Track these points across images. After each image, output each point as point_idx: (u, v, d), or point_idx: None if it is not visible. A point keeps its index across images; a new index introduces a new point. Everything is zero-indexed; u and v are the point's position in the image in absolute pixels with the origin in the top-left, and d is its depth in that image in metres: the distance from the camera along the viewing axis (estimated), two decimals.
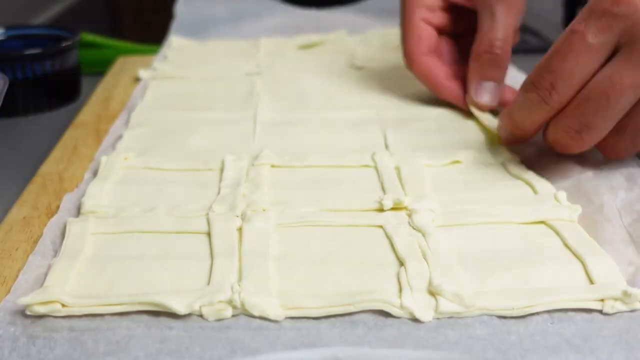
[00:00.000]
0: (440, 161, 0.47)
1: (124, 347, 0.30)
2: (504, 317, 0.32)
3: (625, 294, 0.32)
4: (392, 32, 0.82)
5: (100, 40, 0.77)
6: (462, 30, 0.58)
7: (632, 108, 0.40)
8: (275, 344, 0.30)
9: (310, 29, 0.79)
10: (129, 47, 0.78)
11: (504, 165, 0.46)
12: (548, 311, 0.32)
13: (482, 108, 0.53)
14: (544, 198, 0.42)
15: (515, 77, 0.64)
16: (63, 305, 0.32)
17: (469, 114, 0.55)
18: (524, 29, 0.74)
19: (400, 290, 0.33)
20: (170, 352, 0.30)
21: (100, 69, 0.72)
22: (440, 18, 0.57)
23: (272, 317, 0.32)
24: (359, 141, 0.51)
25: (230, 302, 0.32)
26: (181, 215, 0.40)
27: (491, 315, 0.32)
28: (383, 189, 0.43)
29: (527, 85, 0.42)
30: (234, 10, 0.87)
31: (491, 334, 0.31)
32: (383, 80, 0.64)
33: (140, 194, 0.43)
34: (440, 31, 0.57)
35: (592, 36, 0.39)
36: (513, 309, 0.32)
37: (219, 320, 0.32)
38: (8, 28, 0.67)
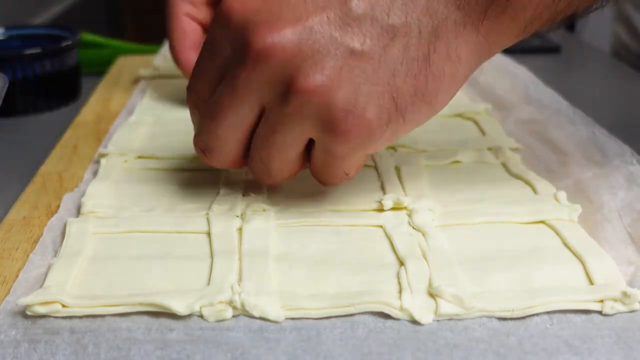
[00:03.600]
0: (440, 161, 0.47)
1: (125, 354, 0.30)
2: (504, 319, 0.32)
3: (625, 294, 0.32)
4: None
5: (100, 40, 0.77)
6: None
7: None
8: (276, 349, 0.30)
9: None
10: (129, 47, 0.78)
11: (504, 165, 0.46)
12: (547, 312, 0.32)
13: None
14: (544, 198, 0.42)
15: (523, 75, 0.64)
16: (63, 306, 0.32)
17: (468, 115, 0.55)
18: None
19: (401, 291, 0.33)
20: None
21: (100, 69, 0.72)
22: (204, 14, 0.55)
23: (272, 318, 0.32)
24: None
25: (230, 303, 0.32)
26: (181, 215, 0.40)
27: (490, 317, 0.32)
28: (383, 189, 0.43)
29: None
30: None
31: (490, 336, 0.31)
32: None
33: (140, 194, 0.43)
34: (205, 27, 0.55)
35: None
36: (513, 310, 0.32)
37: (219, 321, 0.32)
38: (8, 28, 0.67)
